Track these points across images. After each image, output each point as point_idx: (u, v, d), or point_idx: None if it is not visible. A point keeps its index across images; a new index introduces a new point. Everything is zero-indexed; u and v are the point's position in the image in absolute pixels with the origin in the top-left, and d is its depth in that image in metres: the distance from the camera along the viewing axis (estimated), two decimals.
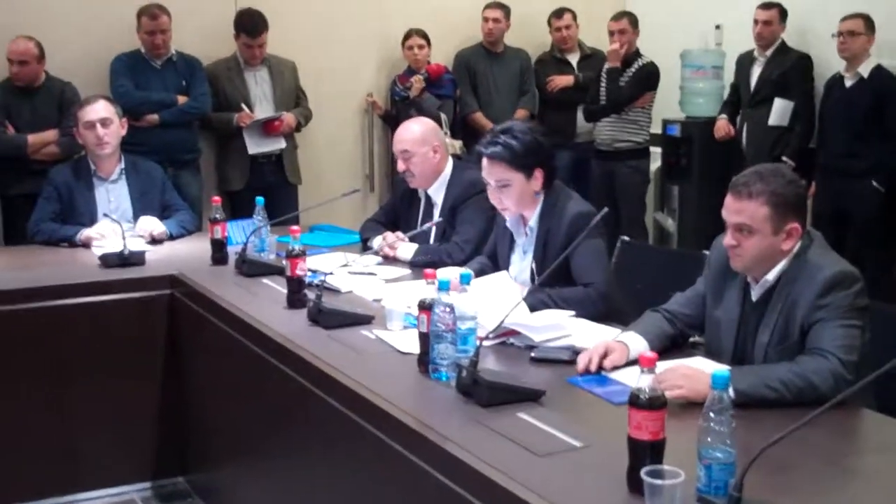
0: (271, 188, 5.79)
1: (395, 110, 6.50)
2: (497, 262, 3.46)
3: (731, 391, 2.21)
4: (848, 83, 5.53)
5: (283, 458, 2.96)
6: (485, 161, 3.27)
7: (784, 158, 5.85)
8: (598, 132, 6.47)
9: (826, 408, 1.83)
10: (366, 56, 6.59)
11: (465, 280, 2.58)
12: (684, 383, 2.32)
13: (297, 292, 3.25)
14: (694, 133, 6.44)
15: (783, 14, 5.95)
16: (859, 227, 5.47)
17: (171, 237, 4.46)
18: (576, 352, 2.69)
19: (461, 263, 3.69)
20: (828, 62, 5.78)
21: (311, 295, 3.15)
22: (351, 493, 2.51)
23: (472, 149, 5.60)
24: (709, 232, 6.19)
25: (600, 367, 2.57)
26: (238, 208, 5.77)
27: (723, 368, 2.03)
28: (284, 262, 3.29)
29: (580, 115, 6.66)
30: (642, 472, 1.74)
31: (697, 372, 2.40)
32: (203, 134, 5.92)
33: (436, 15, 6.58)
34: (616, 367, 2.57)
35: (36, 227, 4.42)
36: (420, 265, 3.82)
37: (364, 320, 3.06)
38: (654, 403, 1.84)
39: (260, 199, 4.10)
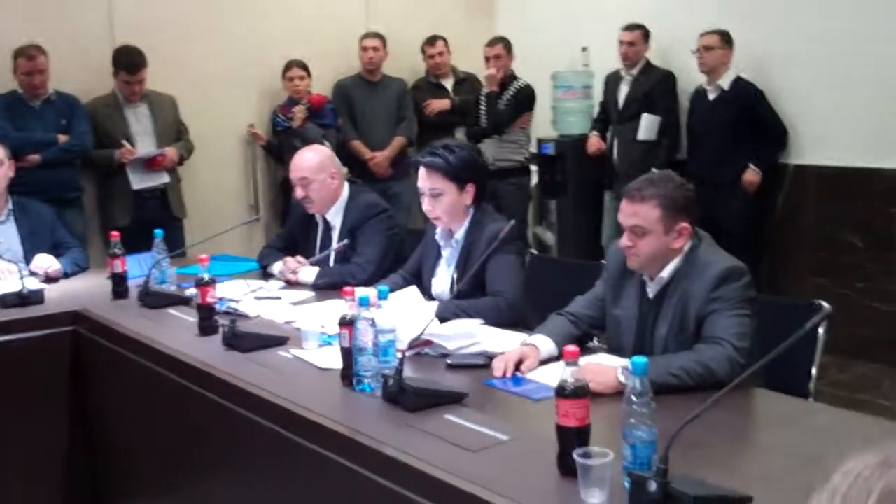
0: (157, 223, 5.76)
1: (278, 140, 6.58)
2: (420, 278, 3.58)
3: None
4: (711, 96, 5.88)
5: (210, 482, 3.01)
6: (422, 170, 3.45)
7: (654, 170, 6.15)
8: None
9: (729, 388, 2.01)
10: (245, 88, 6.64)
11: (382, 295, 2.70)
12: (593, 378, 2.48)
13: (208, 319, 3.30)
14: (567, 150, 6.72)
15: (646, 35, 6.29)
16: (728, 232, 5.79)
17: (66, 275, 4.43)
18: (489, 357, 2.84)
19: (365, 283, 3.80)
20: (690, 78, 6.13)
21: (222, 321, 3.21)
22: None
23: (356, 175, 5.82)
24: (585, 242, 6.61)
25: (516, 370, 2.72)
26: (124, 244, 5.72)
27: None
28: (195, 290, 3.35)
29: (458, 137, 6.85)
30: (575, 454, 1.89)
31: (604, 367, 2.59)
32: (84, 172, 5.87)
33: (313, 45, 6.69)
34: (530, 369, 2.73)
35: None
36: (323, 287, 3.94)
37: (279, 342, 3.14)
38: (578, 393, 2.00)
39: (159, 232, 4.14)
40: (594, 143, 6.53)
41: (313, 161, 4.11)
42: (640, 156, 6.24)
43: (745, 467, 2.08)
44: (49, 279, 4.34)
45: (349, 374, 2.67)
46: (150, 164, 5.84)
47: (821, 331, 2.84)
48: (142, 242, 5.71)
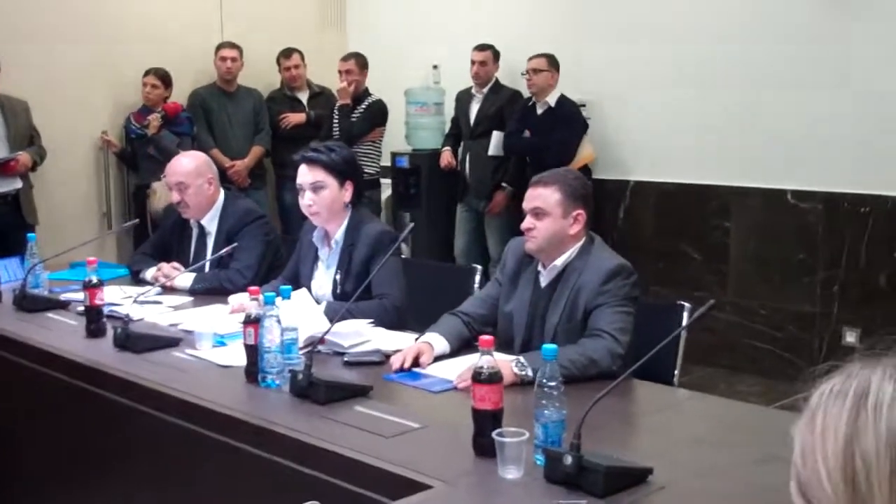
0: (9, 228, 5.67)
1: (131, 148, 6.53)
2: (297, 283, 3.67)
3: (529, 371, 2.63)
4: (539, 110, 6.21)
5: (114, 482, 3.02)
6: (303, 167, 3.56)
7: (503, 185, 6.47)
8: None
9: (621, 380, 2.24)
10: (98, 94, 6.56)
11: (285, 295, 2.82)
12: None
13: (96, 321, 3.32)
14: (421, 164, 6.94)
15: (496, 55, 6.58)
16: None
17: None
18: (385, 354, 2.99)
19: (243, 288, 3.88)
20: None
21: (112, 323, 3.24)
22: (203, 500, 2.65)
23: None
24: (438, 253, 6.82)
25: (414, 365, 2.89)
26: None
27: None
28: (83, 292, 3.35)
29: None
30: (493, 434, 2.07)
31: (499, 362, 2.77)
32: None
33: (168, 54, 6.66)
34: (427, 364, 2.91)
35: None
36: (201, 292, 3.98)
37: (172, 343, 3.20)
38: (493, 378, 2.19)
39: (32, 236, 4.07)
40: (446, 157, 6.77)
41: (190, 166, 4.15)
42: (491, 171, 6.51)
43: (638, 445, 2.32)
44: None
45: (254, 370, 2.77)
46: (2, 169, 5.70)
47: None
48: None
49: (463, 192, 6.70)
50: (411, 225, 3.43)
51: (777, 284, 5.74)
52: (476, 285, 3.77)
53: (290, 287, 2.88)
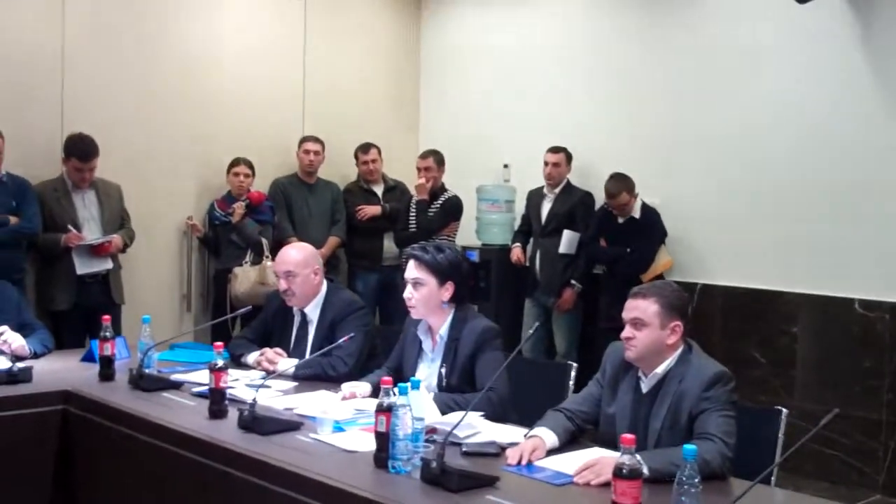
0: (97, 308, 5.89)
1: (214, 233, 6.79)
2: (401, 374, 3.84)
3: (645, 469, 2.77)
4: (620, 220, 6.42)
5: None
6: (410, 262, 3.81)
7: (572, 282, 6.66)
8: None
9: (756, 482, 2.39)
10: (185, 181, 6.86)
11: (415, 386, 2.99)
12: (602, 467, 2.83)
13: (219, 403, 3.50)
14: (491, 258, 7.15)
15: (569, 157, 6.83)
16: None
17: (36, 355, 4.51)
18: (500, 446, 3.14)
19: (345, 375, 4.07)
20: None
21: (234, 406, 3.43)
22: None
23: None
24: (507, 346, 6.95)
25: (529, 460, 3.04)
26: (63, 329, 5.81)
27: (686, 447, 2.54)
28: (209, 374, 3.53)
29: (386, 242, 7.21)
30: None
31: (608, 458, 2.92)
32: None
33: (252, 145, 6.97)
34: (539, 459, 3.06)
35: None
36: (304, 378, 4.16)
37: (295, 426, 3.36)
38: (633, 474, 2.34)
39: (146, 318, 4.26)
40: (517, 253, 6.98)
41: (299, 256, 4.37)
42: (562, 268, 6.71)
43: None
44: (16, 357, 4.41)
45: (383, 456, 2.93)
46: (96, 250, 5.96)
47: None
48: (82, 326, 5.86)
49: (532, 287, 6.89)
50: (536, 325, 3.57)
51: (843, 391, 5.84)
52: (571, 381, 3.94)
53: (418, 380, 3.04)
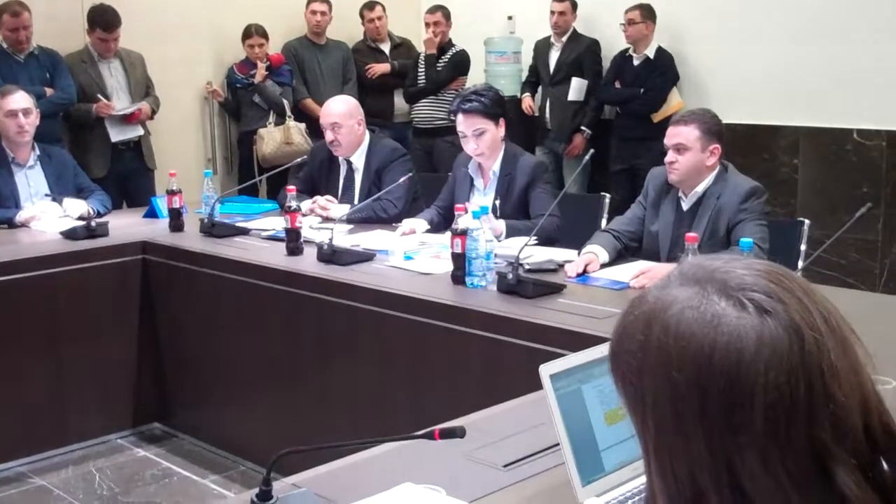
0: (132, 173, 6.21)
1: (234, 97, 7.01)
2: (452, 211, 4.17)
3: None
4: (636, 62, 6.68)
5: (326, 375, 3.56)
6: (461, 116, 4.03)
7: (582, 128, 6.96)
8: (417, 112, 7.26)
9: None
10: (202, 48, 7.03)
11: (484, 211, 3.34)
12: (656, 274, 3.21)
13: (295, 241, 3.84)
14: None
15: (574, 5, 7.03)
16: None
17: (100, 214, 4.81)
18: (558, 263, 3.51)
19: (396, 217, 4.42)
20: (612, 47, 6.92)
21: (317, 240, 3.77)
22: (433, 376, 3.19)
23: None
24: None
25: (584, 271, 3.42)
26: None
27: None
28: (284, 216, 3.87)
29: (396, 99, 7.46)
30: None
31: (661, 266, 3.30)
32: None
33: (261, 9, 7.12)
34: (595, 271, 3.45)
35: None
36: (357, 221, 4.49)
37: (369, 257, 3.72)
38: None
39: (208, 172, 4.57)
40: (527, 103, 7.24)
41: (343, 108, 4.65)
42: (571, 115, 6.99)
43: None
44: (82, 218, 4.72)
45: (460, 274, 3.29)
46: (127, 118, 6.19)
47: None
48: (117, 191, 6.14)
49: (543, 135, 7.18)
50: (587, 156, 3.87)
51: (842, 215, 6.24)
52: (605, 212, 4.30)
53: (486, 207, 3.39)
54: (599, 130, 7.00)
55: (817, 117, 6.28)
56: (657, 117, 6.41)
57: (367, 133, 4.76)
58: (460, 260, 3.30)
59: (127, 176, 6.21)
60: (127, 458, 4.12)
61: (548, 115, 7.12)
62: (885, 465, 0.95)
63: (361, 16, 7.53)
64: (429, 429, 1.62)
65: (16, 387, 3.95)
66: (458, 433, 1.65)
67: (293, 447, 1.63)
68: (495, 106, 4.09)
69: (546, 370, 1.73)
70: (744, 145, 6.59)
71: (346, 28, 7.60)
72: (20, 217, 4.61)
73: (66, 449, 4.09)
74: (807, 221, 3.72)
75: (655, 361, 0.96)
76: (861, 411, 0.93)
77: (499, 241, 3.58)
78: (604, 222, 4.22)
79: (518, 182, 4.03)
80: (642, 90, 6.56)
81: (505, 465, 1.91)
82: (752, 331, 0.92)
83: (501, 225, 3.90)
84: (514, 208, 3.94)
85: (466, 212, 3.32)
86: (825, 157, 6.29)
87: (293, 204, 3.85)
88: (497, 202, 4.09)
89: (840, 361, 0.93)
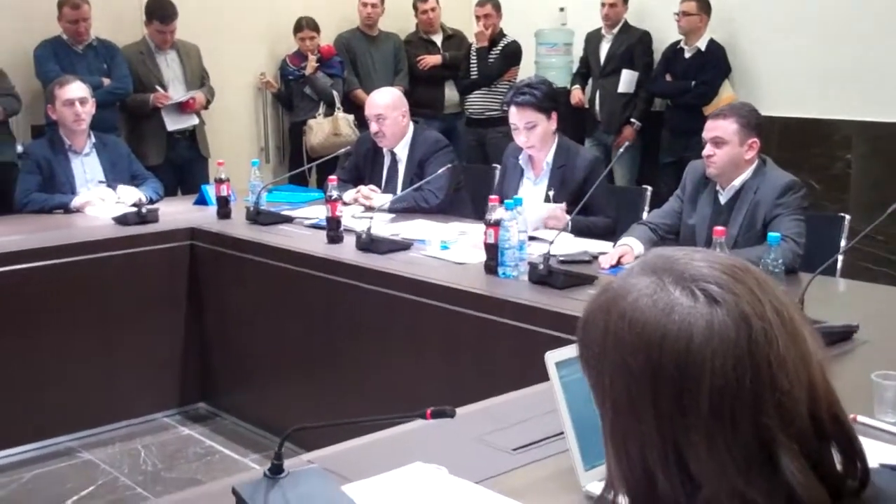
0: (186, 162, 6.36)
1: (287, 88, 7.13)
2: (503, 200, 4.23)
3: None
4: (687, 54, 6.66)
5: (355, 363, 3.64)
6: (513, 108, 4.08)
7: (632, 120, 6.96)
8: (471, 104, 7.31)
9: (819, 271, 2.78)
10: (256, 40, 7.16)
11: (518, 202, 3.38)
12: None
13: (336, 229, 3.93)
14: None
15: None
16: None
17: (152, 201, 4.94)
18: (592, 255, 3.55)
19: (436, 207, 4.49)
20: (663, 39, 6.90)
21: (357, 229, 3.85)
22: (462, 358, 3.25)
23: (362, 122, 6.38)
24: None
25: (618, 263, 3.45)
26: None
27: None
28: (325, 205, 3.96)
29: (447, 90, 7.52)
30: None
31: None
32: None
33: (317, 1, 7.22)
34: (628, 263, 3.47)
35: (26, 198, 4.79)
36: (399, 210, 4.56)
37: (406, 246, 3.79)
38: None
39: (255, 161, 4.67)
40: (577, 95, 7.25)
41: (388, 100, 4.72)
42: (621, 107, 6.99)
43: None
44: (135, 205, 4.85)
45: (493, 264, 3.35)
46: (182, 107, 6.33)
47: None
48: (173, 179, 6.29)
49: (593, 127, 7.19)
50: (626, 144, 3.91)
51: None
52: (646, 205, 4.32)
53: (520, 198, 3.43)
54: (649, 123, 6.99)
55: (871, 111, 6.20)
56: (709, 110, 6.36)
57: (411, 125, 4.82)
58: (493, 250, 3.35)
59: (182, 164, 6.36)
60: (172, 435, 4.25)
61: (597, 106, 7.12)
62: (835, 455, 0.98)
63: (415, 7, 7.60)
64: (422, 410, 1.69)
65: (68, 365, 4.10)
66: (448, 413, 1.72)
67: (300, 424, 1.70)
68: (548, 99, 4.13)
69: (552, 357, 1.78)
70: (796, 139, 6.54)
71: (399, 20, 7.67)
72: (75, 203, 4.76)
73: (114, 426, 4.24)
74: (847, 217, 3.69)
75: (612, 347, 1.01)
76: (808, 400, 0.97)
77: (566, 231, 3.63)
78: (644, 215, 4.24)
79: (575, 174, 4.07)
80: (693, 83, 6.54)
81: (514, 449, 1.97)
82: (701, 319, 0.96)
83: (566, 217, 3.89)
84: (569, 199, 3.97)
85: (499, 202, 3.37)
86: (879, 152, 6.22)
87: (334, 193, 3.93)
88: (551, 193, 4.13)
89: (788, 352, 0.97)
